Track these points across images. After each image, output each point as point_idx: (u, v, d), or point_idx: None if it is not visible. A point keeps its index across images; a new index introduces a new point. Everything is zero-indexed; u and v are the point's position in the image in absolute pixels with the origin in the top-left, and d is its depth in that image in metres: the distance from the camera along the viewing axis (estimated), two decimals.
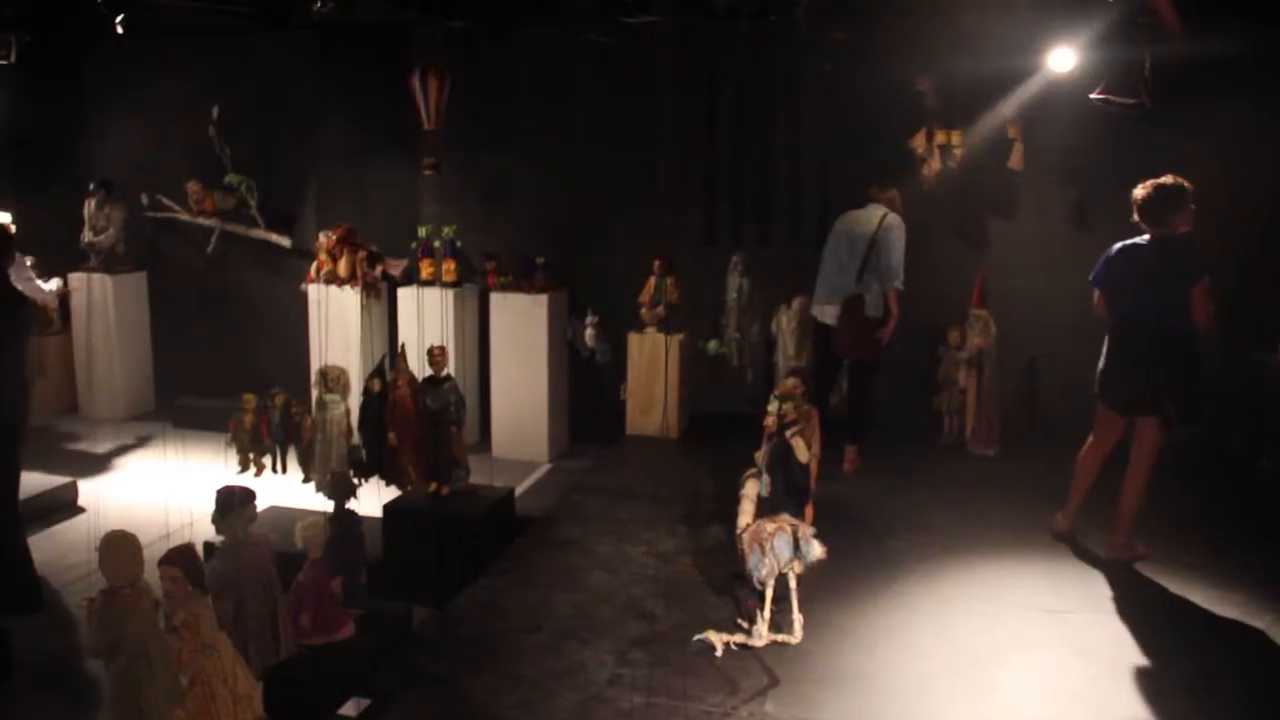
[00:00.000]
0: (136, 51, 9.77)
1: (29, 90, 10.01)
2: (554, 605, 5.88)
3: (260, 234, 9.87)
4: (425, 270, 9.05)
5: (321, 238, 9.15)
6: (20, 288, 8.75)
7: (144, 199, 10.13)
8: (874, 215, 7.71)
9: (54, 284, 9.08)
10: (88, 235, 10.14)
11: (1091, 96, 7.49)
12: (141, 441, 9.47)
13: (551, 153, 9.42)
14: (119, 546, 3.94)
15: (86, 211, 10.14)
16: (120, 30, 8.49)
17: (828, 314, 7.86)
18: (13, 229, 9.04)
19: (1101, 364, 6.45)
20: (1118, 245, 6.32)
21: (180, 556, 4.12)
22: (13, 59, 8.96)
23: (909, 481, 7.88)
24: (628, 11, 8.37)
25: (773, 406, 6.30)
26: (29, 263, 8.99)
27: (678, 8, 8.44)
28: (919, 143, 8.71)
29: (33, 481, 8.06)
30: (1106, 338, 6.43)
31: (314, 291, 9.11)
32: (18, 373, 6.22)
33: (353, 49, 9.57)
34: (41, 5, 9.06)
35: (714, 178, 9.36)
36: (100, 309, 9.98)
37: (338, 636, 5.21)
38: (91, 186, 10.12)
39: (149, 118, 10.39)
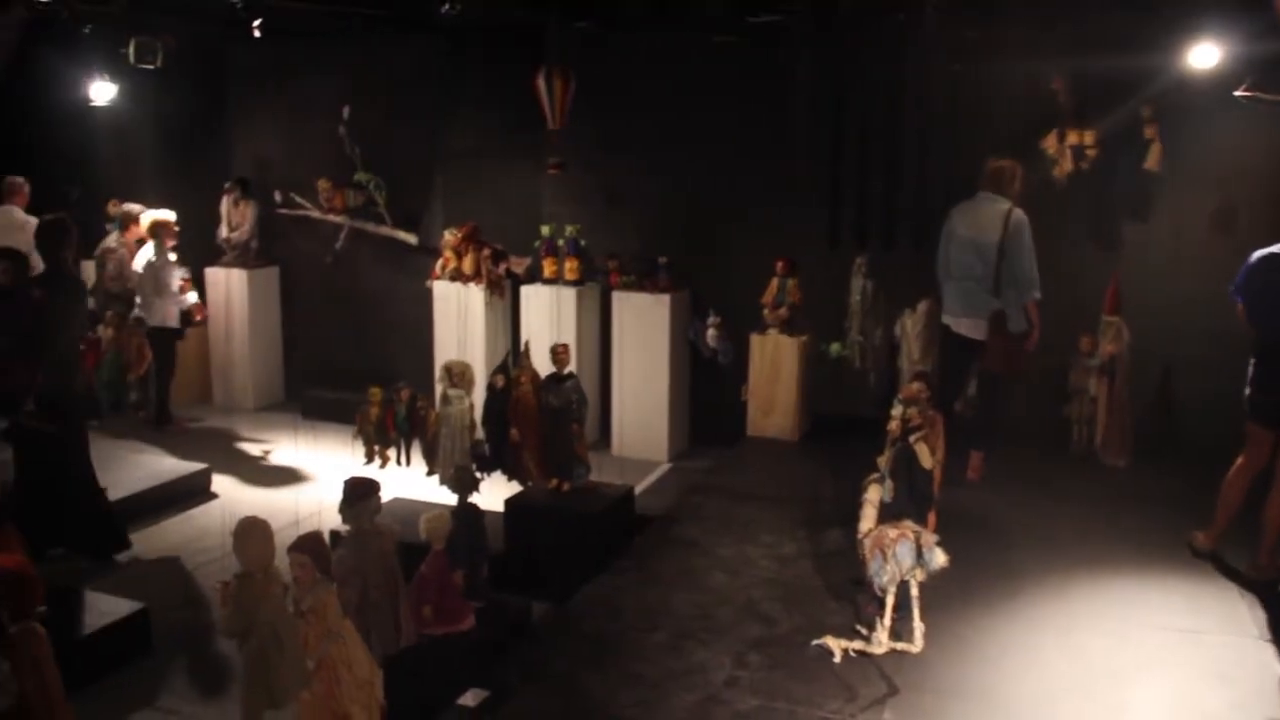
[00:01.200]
0: (272, 54, 10.04)
1: (172, 92, 10.38)
2: (673, 605, 5.87)
3: (387, 231, 10.06)
4: (548, 269, 9.13)
5: (447, 235, 9.29)
6: (160, 300, 9.18)
7: (277, 196, 10.41)
8: (994, 213, 7.29)
9: (191, 297, 9.44)
10: (224, 231, 10.49)
11: (1237, 94, 7.18)
12: (272, 431, 9.72)
13: (676, 153, 9.40)
14: (253, 533, 4.04)
15: (223, 208, 10.48)
16: (257, 34, 8.76)
17: (963, 325, 7.55)
18: (176, 226, 9.47)
19: (1249, 379, 6.18)
20: (1258, 254, 6.06)
21: (309, 544, 4.22)
22: (159, 63, 9.30)
23: (1036, 491, 7.65)
24: (754, 12, 8.30)
25: (896, 410, 6.18)
26: (180, 275, 9.33)
27: (804, 8, 8.34)
28: (1050, 144, 8.44)
29: (168, 467, 8.40)
30: (1253, 352, 6.16)
31: (439, 288, 9.26)
32: (74, 351, 6.90)
33: (480, 50, 9.68)
34: (185, 12, 9.36)
35: (839, 179, 9.23)
36: (234, 303, 10.28)
37: (458, 628, 5.29)
38: (228, 185, 10.46)
39: (283, 118, 10.68)
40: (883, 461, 6.21)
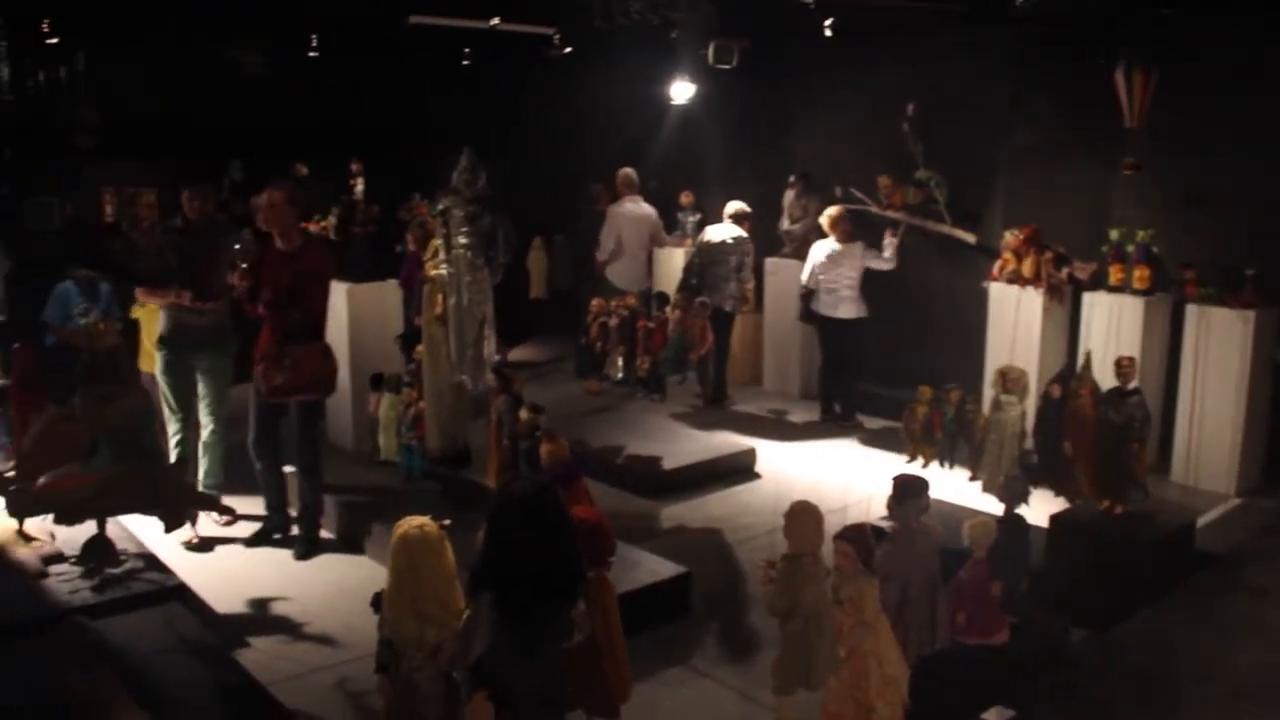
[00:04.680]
0: (838, 50, 10.25)
1: (742, 90, 10.95)
2: (1231, 657, 5.30)
3: (946, 230, 9.94)
4: (1115, 275, 8.54)
5: (1008, 236, 9.00)
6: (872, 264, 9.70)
7: (837, 191, 10.62)
8: None
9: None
10: (784, 223, 10.90)
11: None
12: (815, 421, 9.98)
13: (1269, 151, 8.39)
14: (806, 516, 4.16)
15: (785, 201, 10.89)
16: (828, 33, 8.99)
17: None
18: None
19: None
20: None
21: (855, 534, 4.28)
22: (734, 63, 9.86)
23: None
24: None
25: None
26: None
27: None
28: None
29: (718, 443, 8.89)
30: None
31: (996, 290, 9.00)
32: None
33: (1050, 44, 9.26)
34: (760, 13, 9.82)
35: None
36: (789, 293, 10.63)
37: (992, 640, 5.11)
38: (791, 179, 10.84)
39: (846, 114, 10.88)
40: None
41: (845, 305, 9.59)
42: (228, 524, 7.00)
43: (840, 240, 9.62)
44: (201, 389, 6.98)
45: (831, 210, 9.75)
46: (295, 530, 6.91)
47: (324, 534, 6.90)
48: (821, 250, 9.69)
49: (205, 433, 7.02)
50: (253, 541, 6.86)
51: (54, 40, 10.12)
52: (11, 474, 5.90)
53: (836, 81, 10.88)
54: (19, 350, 6.70)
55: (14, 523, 5.97)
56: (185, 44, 10.91)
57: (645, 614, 5.61)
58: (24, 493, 5.62)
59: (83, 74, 10.68)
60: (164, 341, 6.84)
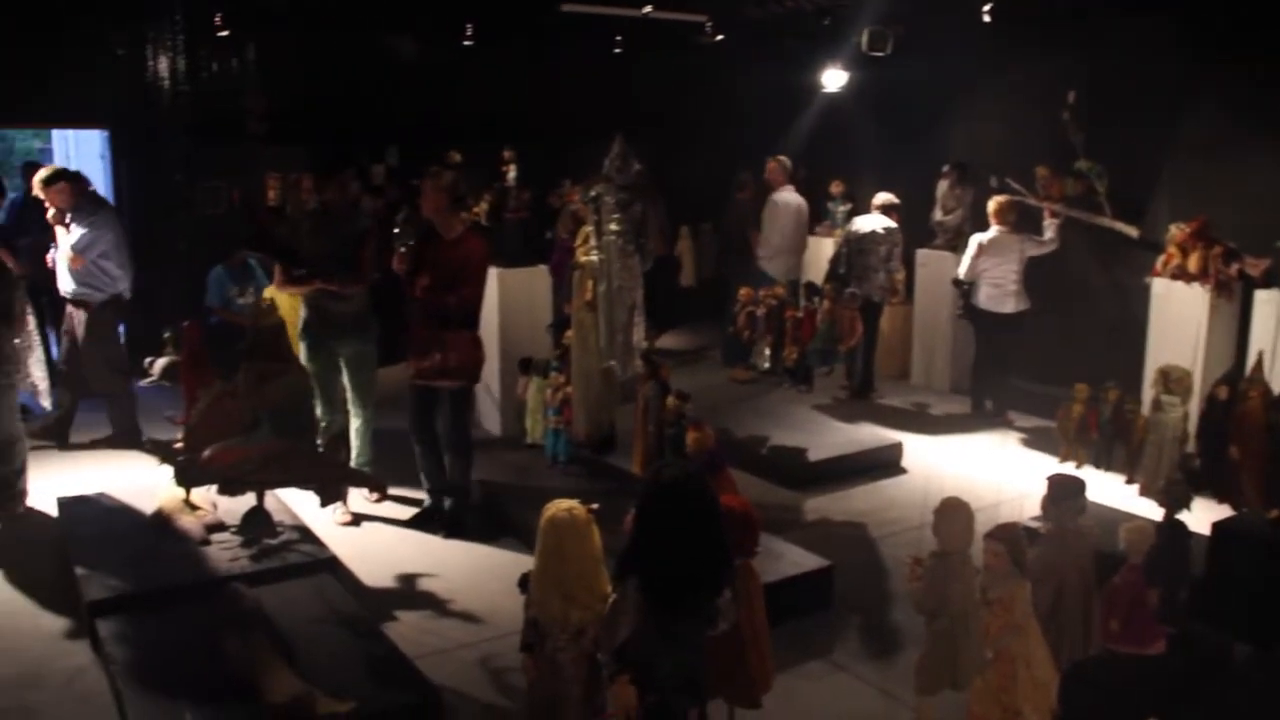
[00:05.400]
0: (998, 35, 9.98)
1: (895, 76, 10.76)
2: None
3: (1106, 222, 9.60)
4: None
5: (1173, 230, 8.64)
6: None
7: (993, 181, 10.36)
8: None
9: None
10: (937, 214, 10.68)
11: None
12: (964, 416, 9.79)
13: None
14: (957, 514, 4.09)
15: (939, 191, 10.68)
16: (987, 18, 8.74)
17: None
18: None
19: None
20: None
21: (1006, 534, 4.18)
22: (889, 50, 9.69)
23: None
24: None
25: None
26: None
27: None
28: None
29: (865, 436, 8.79)
30: None
31: (1159, 286, 8.65)
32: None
33: (1223, 31, 8.85)
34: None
35: None
36: (941, 284, 10.43)
37: (1146, 650, 4.93)
38: (946, 168, 10.62)
39: (1004, 101, 10.62)
40: None
41: (1009, 299, 9.33)
42: (378, 501, 7.21)
43: (1006, 230, 9.35)
44: (347, 375, 7.12)
45: (999, 197, 9.50)
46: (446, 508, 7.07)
47: (471, 515, 7.04)
48: (983, 241, 9.46)
49: (354, 417, 7.19)
50: (414, 522, 6.98)
51: (225, 33, 10.55)
52: (180, 446, 6.21)
53: (993, 68, 10.61)
54: (188, 328, 7.02)
55: (181, 492, 6.29)
56: (346, 34, 11.25)
57: (787, 606, 5.58)
58: (191, 464, 5.91)
59: (252, 64, 11.10)
60: (306, 329, 7.01)
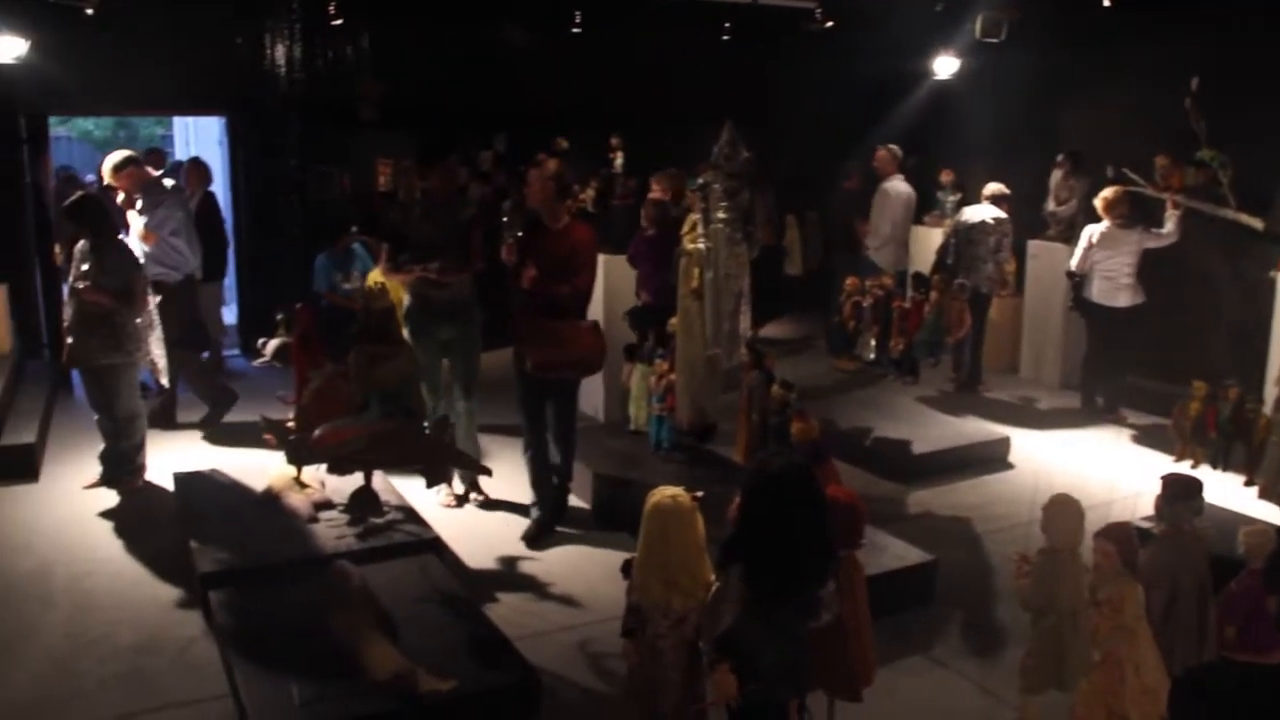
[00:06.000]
0: (1116, 20, 9.70)
1: (1008, 62, 10.52)
2: None
3: (1229, 214, 9.26)
4: None
5: None
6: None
7: (1109, 171, 10.08)
8: None
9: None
10: (1050, 205, 10.45)
11: None
12: (1073, 411, 9.56)
13: None
14: (1066, 511, 4.01)
15: (1052, 181, 10.43)
16: (1106, 2, 8.49)
17: None
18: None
19: None
20: None
21: (1118, 533, 4.09)
22: (1003, 36, 9.47)
23: None
24: None
25: None
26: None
27: None
28: None
29: (970, 429, 8.66)
30: None
31: None
32: None
33: None
34: None
35: None
36: (1054, 277, 10.19)
37: (1265, 659, 4.76)
38: (1059, 158, 10.37)
39: (1122, 88, 10.33)
40: None
41: (1123, 293, 9.08)
42: (483, 505, 7.26)
43: (1118, 225, 9.10)
44: (450, 361, 7.16)
45: (1108, 192, 9.24)
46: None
47: (573, 500, 7.08)
48: (1095, 233, 9.20)
49: (459, 404, 7.20)
50: (526, 539, 6.78)
51: (339, 21, 10.76)
52: (291, 425, 6.37)
53: (1111, 54, 10.32)
54: (300, 311, 7.19)
55: (292, 470, 6.46)
56: (457, 23, 11.38)
57: (889, 599, 5.51)
58: (301, 443, 6.05)
59: (366, 51, 11.30)
60: (409, 315, 7.05)
